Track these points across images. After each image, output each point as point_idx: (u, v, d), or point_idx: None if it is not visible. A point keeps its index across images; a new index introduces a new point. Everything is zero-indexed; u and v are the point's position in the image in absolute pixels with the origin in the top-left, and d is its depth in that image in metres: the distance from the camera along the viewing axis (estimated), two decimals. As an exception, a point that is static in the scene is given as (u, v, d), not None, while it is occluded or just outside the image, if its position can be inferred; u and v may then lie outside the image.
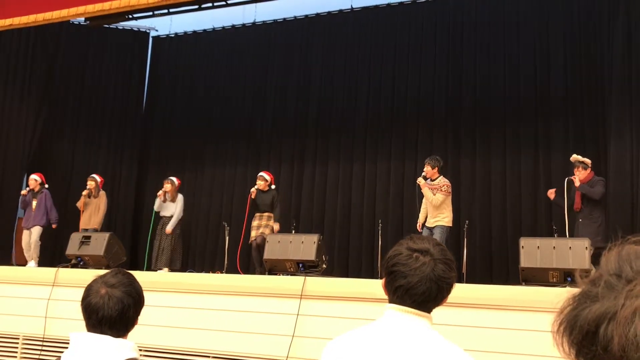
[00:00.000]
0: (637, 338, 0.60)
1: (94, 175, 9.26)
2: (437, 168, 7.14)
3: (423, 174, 7.16)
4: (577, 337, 0.65)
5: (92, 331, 1.83)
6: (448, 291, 1.59)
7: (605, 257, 0.69)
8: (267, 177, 8.24)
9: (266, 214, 8.11)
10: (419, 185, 7.17)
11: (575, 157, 6.96)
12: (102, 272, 1.96)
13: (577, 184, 6.68)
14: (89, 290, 1.87)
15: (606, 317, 0.63)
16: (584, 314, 0.64)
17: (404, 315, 1.55)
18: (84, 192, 9.00)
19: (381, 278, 1.66)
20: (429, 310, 1.58)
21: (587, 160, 6.92)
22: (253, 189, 8.22)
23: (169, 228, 8.57)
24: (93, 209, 8.97)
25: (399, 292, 1.56)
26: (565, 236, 6.64)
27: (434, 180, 7.15)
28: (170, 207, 8.69)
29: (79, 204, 9.04)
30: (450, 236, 7.47)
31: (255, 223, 8.14)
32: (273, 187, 8.28)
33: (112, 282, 1.86)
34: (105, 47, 11.92)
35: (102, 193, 9.09)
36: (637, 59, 7.97)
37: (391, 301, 1.60)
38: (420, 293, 1.53)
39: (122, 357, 1.78)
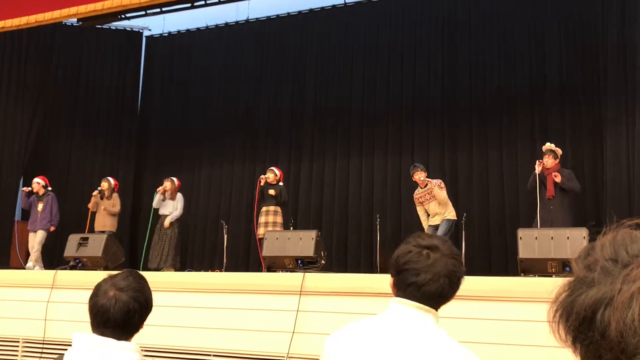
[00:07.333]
0: (635, 323, 0.59)
1: (108, 177, 9.21)
2: (426, 173, 7.60)
3: (422, 178, 7.47)
4: (573, 324, 0.64)
5: (96, 332, 1.81)
6: (458, 286, 1.59)
7: (601, 242, 0.68)
8: (277, 172, 8.36)
9: (272, 207, 8.16)
10: (423, 193, 7.52)
11: (549, 145, 7.14)
12: (114, 272, 1.92)
13: (558, 180, 6.75)
14: (97, 290, 1.83)
15: (603, 302, 0.62)
16: (580, 299, 0.64)
17: (409, 310, 1.54)
18: (94, 193, 8.96)
19: (392, 277, 1.64)
20: (437, 307, 1.57)
21: (559, 150, 7.12)
22: (262, 176, 8.31)
23: (167, 222, 8.61)
24: (106, 212, 8.90)
25: (411, 289, 1.55)
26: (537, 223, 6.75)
27: (426, 185, 7.48)
28: (169, 205, 8.73)
29: (90, 205, 9.01)
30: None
31: (262, 219, 8.19)
32: (281, 183, 8.37)
33: (122, 285, 1.82)
34: (99, 47, 11.89)
35: (115, 196, 9.02)
36: (632, 49, 7.97)
37: (397, 296, 1.59)
38: (434, 290, 1.54)
39: (124, 359, 1.78)
